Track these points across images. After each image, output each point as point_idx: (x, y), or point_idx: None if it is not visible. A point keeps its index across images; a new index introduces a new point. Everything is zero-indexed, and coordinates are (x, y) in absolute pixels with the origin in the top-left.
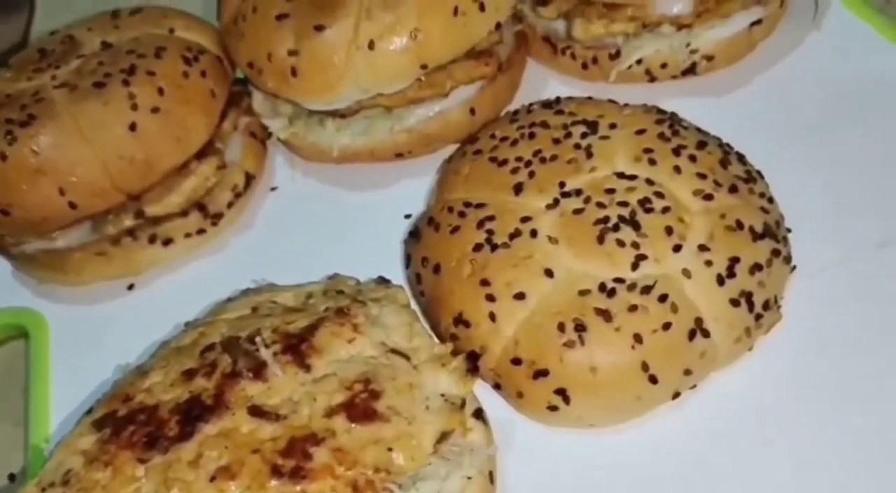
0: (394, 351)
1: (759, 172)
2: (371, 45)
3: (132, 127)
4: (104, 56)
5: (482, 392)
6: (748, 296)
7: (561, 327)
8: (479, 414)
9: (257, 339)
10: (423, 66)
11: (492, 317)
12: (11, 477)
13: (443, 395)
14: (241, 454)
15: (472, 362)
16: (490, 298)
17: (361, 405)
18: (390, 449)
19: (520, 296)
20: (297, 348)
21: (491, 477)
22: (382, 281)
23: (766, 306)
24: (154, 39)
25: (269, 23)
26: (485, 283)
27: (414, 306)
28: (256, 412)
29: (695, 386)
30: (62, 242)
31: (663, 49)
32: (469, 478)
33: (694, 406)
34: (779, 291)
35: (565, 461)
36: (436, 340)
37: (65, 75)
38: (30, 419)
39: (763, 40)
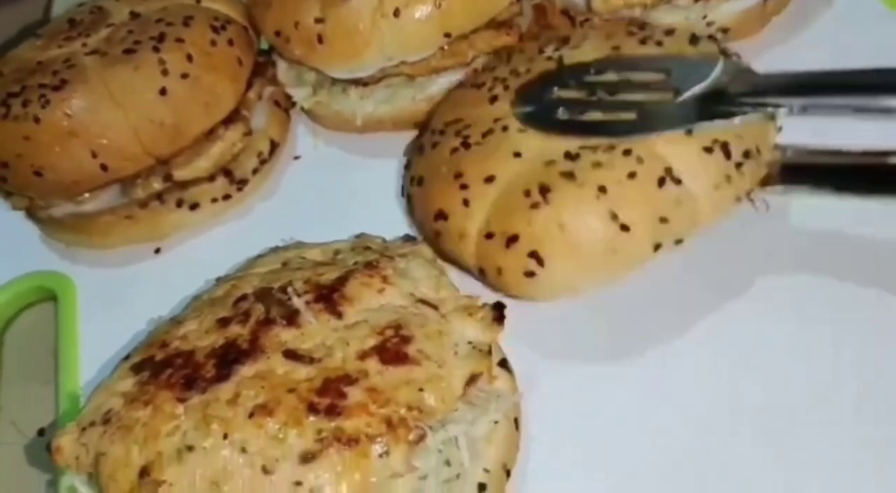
0: (422, 301)
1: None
2: (396, 13)
3: (162, 92)
4: (133, 25)
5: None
6: (723, 145)
7: (527, 193)
8: (503, 364)
9: (289, 289)
10: (447, 35)
11: (465, 203)
12: (41, 432)
13: (470, 342)
14: (278, 393)
15: (499, 312)
16: (463, 186)
17: (393, 349)
18: (422, 390)
19: (489, 179)
20: (328, 296)
21: (516, 423)
22: (408, 238)
23: (746, 154)
24: (182, 9)
25: None
26: (458, 175)
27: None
28: (291, 355)
29: (681, 241)
30: (91, 206)
31: (680, 21)
32: (496, 423)
33: (710, 347)
34: (761, 143)
35: (586, 412)
36: (462, 292)
37: (95, 43)
38: (59, 376)
39: (777, 14)
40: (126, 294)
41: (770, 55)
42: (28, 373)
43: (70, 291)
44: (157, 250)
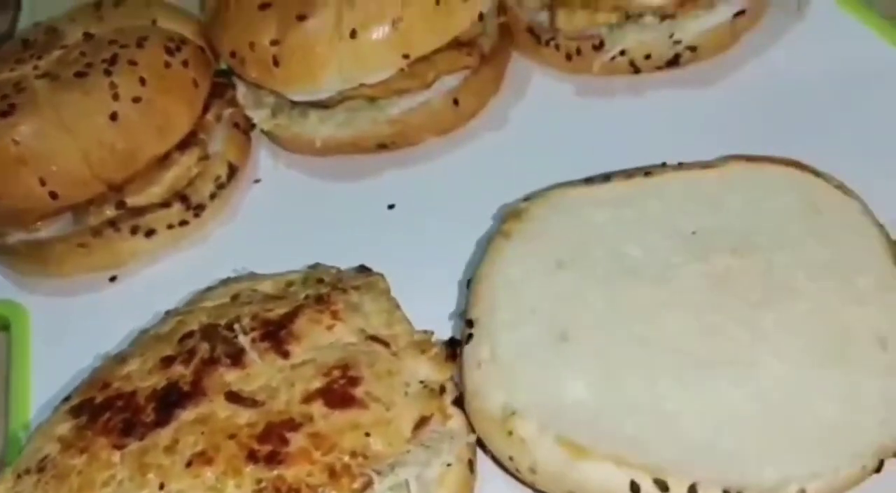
0: (373, 338)
1: None
2: (353, 34)
3: (113, 116)
4: (86, 47)
5: None
6: None
7: None
8: (459, 402)
9: (236, 326)
10: (405, 56)
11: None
12: None
13: (422, 381)
14: (218, 440)
15: (452, 349)
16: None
17: (339, 391)
18: (367, 434)
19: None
20: (275, 334)
21: (471, 466)
22: (363, 270)
23: None
24: (137, 30)
25: (251, 12)
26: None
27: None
28: (234, 397)
29: None
30: (44, 234)
31: (647, 40)
32: (448, 465)
33: None
34: None
35: None
36: (415, 327)
37: (46, 66)
38: (10, 408)
39: (747, 31)
40: (80, 324)
41: (740, 74)
42: None
43: (23, 319)
44: (113, 279)
